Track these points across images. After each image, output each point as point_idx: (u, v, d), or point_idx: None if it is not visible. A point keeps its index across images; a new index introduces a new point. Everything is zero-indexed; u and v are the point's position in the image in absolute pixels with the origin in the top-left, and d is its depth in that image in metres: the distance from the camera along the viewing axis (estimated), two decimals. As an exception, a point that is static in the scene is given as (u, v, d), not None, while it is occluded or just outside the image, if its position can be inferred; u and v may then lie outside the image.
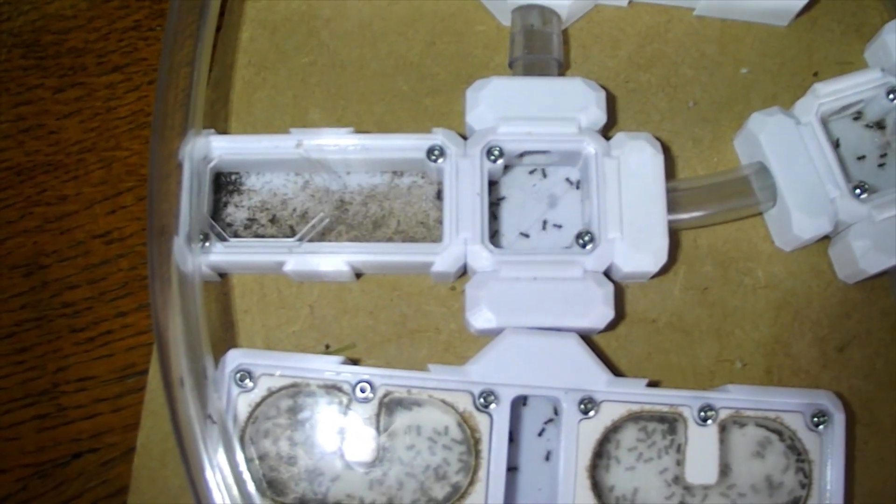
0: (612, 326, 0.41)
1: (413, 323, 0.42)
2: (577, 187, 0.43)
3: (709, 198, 0.42)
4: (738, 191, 0.42)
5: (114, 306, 0.44)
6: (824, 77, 0.44)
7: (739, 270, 0.43)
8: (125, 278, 0.44)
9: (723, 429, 0.39)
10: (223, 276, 0.43)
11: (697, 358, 0.42)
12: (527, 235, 0.42)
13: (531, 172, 0.43)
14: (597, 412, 0.38)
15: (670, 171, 0.43)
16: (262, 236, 0.42)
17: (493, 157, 0.40)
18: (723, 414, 0.39)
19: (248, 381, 0.38)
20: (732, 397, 0.39)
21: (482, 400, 0.38)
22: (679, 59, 0.46)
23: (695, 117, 0.45)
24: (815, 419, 0.39)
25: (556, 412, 0.40)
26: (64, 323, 0.44)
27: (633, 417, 0.39)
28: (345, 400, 0.38)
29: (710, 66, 0.46)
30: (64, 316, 0.44)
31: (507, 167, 0.42)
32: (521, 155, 0.42)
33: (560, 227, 0.42)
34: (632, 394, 0.39)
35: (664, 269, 0.41)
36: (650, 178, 0.41)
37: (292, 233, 0.42)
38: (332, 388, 0.38)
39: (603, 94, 0.42)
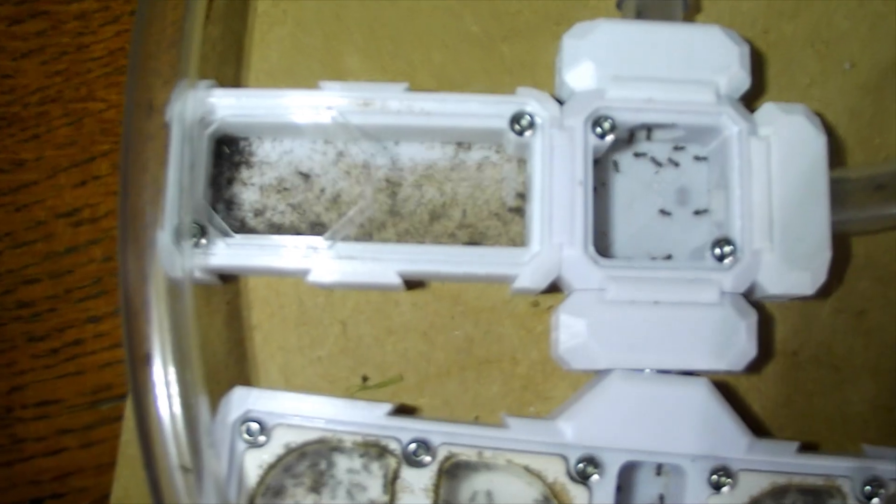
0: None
1: (481, 350, 0.31)
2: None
3: (876, 195, 0.30)
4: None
5: (83, 308, 0.34)
6: None
7: (905, 289, 0.31)
8: (98, 272, 0.34)
9: (888, 506, 0.28)
10: (226, 278, 0.31)
11: (849, 403, 0.32)
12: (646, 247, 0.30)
13: (637, 155, 0.31)
14: (732, 487, 0.28)
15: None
16: (279, 226, 0.30)
17: (600, 132, 0.28)
18: (893, 488, 0.28)
19: (259, 433, 0.28)
20: (906, 467, 0.28)
21: (580, 467, 0.27)
22: (833, 7, 0.34)
23: (851, 83, 0.33)
24: None
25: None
26: (19, 329, 0.34)
27: (777, 492, 0.28)
28: (393, 464, 0.27)
29: (872, 18, 0.34)
30: (19, 319, 0.34)
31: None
32: (636, 130, 0.29)
33: (691, 230, 0.30)
34: (780, 463, 0.28)
35: (811, 286, 0.29)
36: (810, 167, 0.29)
37: (319, 223, 0.30)
38: (375, 447, 0.27)
39: (747, 48, 0.30)
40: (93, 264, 0.34)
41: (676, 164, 0.31)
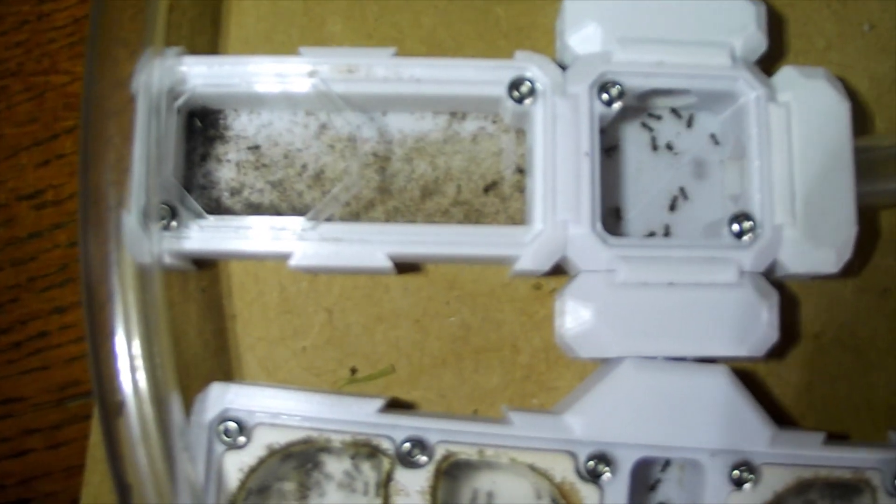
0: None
1: (479, 337, 0.29)
2: (717, 142, 0.28)
3: (900, 164, 0.28)
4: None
5: (48, 298, 0.31)
6: None
7: (932, 266, 0.29)
8: (63, 258, 0.31)
9: (919, 498, 0.26)
10: (201, 264, 0.28)
11: (874, 388, 0.29)
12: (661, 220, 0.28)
13: (644, 125, 0.28)
14: (755, 483, 0.25)
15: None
16: (258, 206, 0.28)
17: (607, 98, 0.26)
18: (925, 479, 0.25)
19: (238, 433, 0.25)
20: (939, 456, 0.26)
21: (591, 465, 0.25)
22: (848, -39, 0.31)
23: (872, 46, 0.31)
24: None
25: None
26: (-22, 321, 0.31)
27: (802, 487, 0.25)
28: (386, 465, 0.24)
29: (891, -26, 0.31)
30: (-22, 311, 0.31)
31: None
32: (646, 96, 0.26)
33: (704, 206, 0.28)
34: (805, 456, 0.25)
35: (833, 264, 0.27)
36: (833, 135, 0.27)
37: (301, 202, 0.27)
38: (366, 447, 0.25)
39: (763, 8, 0.28)
40: (57, 250, 0.31)
41: (680, 117, 0.28)
